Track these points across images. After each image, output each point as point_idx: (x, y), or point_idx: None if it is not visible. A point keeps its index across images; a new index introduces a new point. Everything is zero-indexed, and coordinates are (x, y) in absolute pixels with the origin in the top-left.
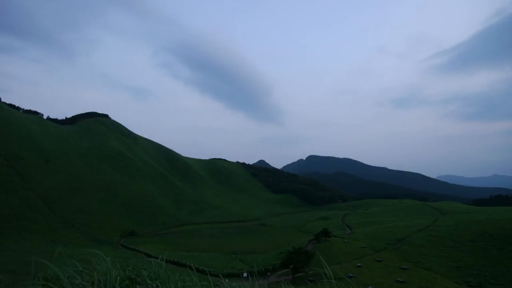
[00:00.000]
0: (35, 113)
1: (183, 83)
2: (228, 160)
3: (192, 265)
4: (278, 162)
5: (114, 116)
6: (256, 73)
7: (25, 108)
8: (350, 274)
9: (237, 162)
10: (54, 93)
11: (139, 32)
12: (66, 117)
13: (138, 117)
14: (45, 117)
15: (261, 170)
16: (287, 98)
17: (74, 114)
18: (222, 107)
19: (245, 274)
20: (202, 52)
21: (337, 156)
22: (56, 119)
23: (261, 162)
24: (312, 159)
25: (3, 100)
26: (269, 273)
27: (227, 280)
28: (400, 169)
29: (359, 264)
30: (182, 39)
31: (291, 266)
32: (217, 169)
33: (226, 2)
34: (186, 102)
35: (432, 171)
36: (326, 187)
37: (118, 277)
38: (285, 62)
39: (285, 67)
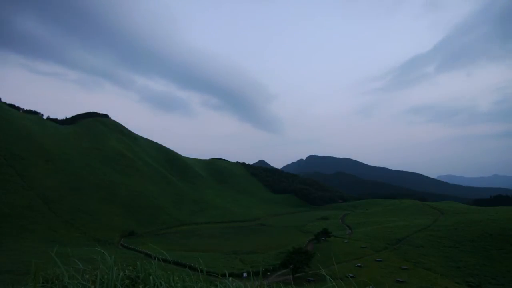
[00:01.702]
0: (35, 113)
1: (193, 101)
2: (228, 160)
3: (193, 264)
4: (278, 162)
5: (120, 118)
6: (257, 85)
7: (25, 108)
8: (350, 274)
9: (237, 162)
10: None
11: (147, 60)
12: (66, 117)
13: (148, 122)
14: (45, 117)
15: (261, 170)
16: (285, 106)
17: (74, 114)
18: (227, 117)
19: (245, 274)
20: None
21: (337, 156)
22: (56, 119)
23: (261, 162)
24: (312, 159)
25: (3, 100)
26: (269, 273)
27: (230, 279)
28: (400, 169)
29: (359, 264)
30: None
31: (291, 266)
32: (217, 169)
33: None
34: (195, 111)
35: (432, 171)
36: (326, 187)
37: (119, 276)
38: (281, 74)
39: (280, 81)
